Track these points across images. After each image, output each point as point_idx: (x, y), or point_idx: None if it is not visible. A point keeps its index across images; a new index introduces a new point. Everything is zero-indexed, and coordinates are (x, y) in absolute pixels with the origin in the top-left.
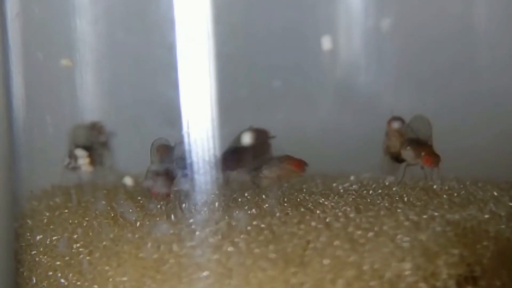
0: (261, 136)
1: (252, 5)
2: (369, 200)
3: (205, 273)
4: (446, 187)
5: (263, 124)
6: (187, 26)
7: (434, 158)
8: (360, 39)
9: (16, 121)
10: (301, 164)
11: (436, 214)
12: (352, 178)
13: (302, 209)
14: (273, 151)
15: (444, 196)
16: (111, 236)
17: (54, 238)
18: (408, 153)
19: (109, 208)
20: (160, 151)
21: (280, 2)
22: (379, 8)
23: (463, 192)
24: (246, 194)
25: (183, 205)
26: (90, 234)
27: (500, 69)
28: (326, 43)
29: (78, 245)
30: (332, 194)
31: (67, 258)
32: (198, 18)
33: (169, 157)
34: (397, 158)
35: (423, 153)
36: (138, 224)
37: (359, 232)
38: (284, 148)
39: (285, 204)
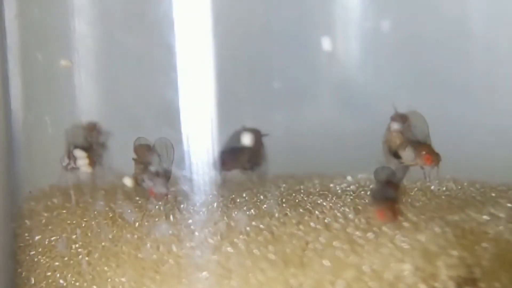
0: (255, 136)
1: (252, 6)
2: (367, 201)
3: (204, 274)
4: (444, 188)
5: (262, 124)
6: (187, 26)
7: (435, 156)
8: (360, 39)
9: (15, 122)
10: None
11: (435, 215)
12: (349, 178)
13: (300, 210)
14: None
15: (442, 197)
16: (110, 236)
17: (52, 238)
18: (407, 154)
19: (107, 208)
20: (139, 151)
21: (280, 3)
22: (379, 9)
23: (461, 193)
24: (244, 195)
25: (181, 205)
26: (89, 234)
27: (498, 69)
28: (326, 43)
29: (77, 245)
30: (330, 195)
31: (65, 258)
32: (198, 18)
33: (148, 156)
34: (396, 154)
35: (423, 152)
36: (137, 224)
37: (358, 233)
38: (284, 147)
39: (284, 205)
